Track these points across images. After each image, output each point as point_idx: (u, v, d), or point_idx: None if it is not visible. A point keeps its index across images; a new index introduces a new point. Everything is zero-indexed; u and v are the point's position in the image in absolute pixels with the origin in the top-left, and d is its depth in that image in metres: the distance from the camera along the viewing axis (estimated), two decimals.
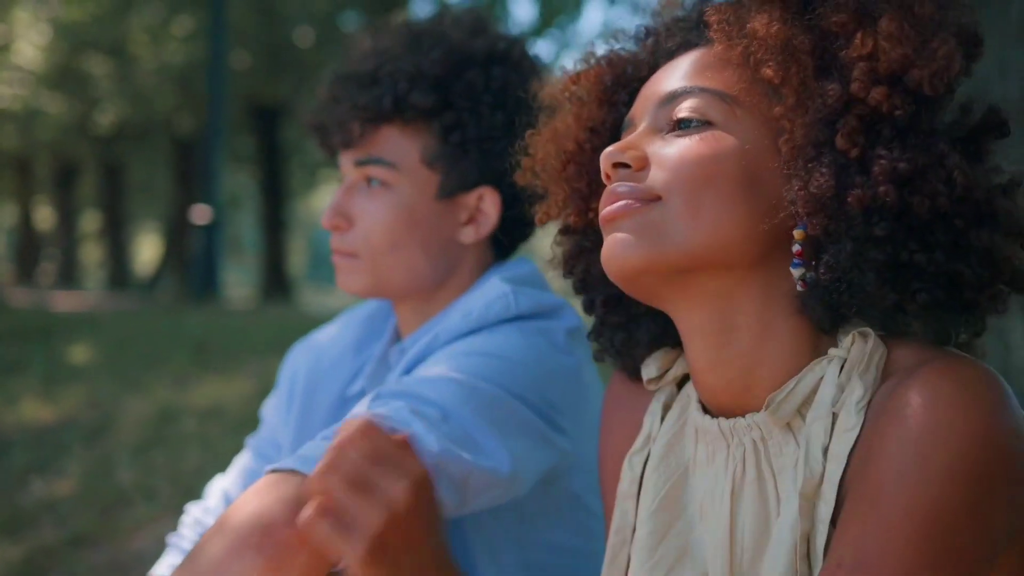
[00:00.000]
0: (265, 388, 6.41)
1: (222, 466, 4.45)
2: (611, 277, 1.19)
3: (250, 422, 5.41)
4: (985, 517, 1.00)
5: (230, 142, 16.86)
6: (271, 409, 2.05)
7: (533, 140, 1.42)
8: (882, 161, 1.06)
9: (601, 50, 1.39)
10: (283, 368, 2.06)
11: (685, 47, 1.27)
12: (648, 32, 1.37)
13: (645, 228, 1.14)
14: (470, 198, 1.77)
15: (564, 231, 1.41)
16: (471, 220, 1.79)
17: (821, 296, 1.11)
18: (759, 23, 1.13)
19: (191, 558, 1.26)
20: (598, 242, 1.30)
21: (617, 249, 1.16)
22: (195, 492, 4.18)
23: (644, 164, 1.18)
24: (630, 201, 1.16)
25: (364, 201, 1.77)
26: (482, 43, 1.80)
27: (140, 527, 3.86)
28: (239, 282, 29.47)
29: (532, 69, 1.80)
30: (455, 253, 1.80)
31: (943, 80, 1.07)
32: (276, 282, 19.68)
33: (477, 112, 1.74)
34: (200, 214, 13.97)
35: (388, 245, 1.75)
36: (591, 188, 1.34)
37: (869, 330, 1.11)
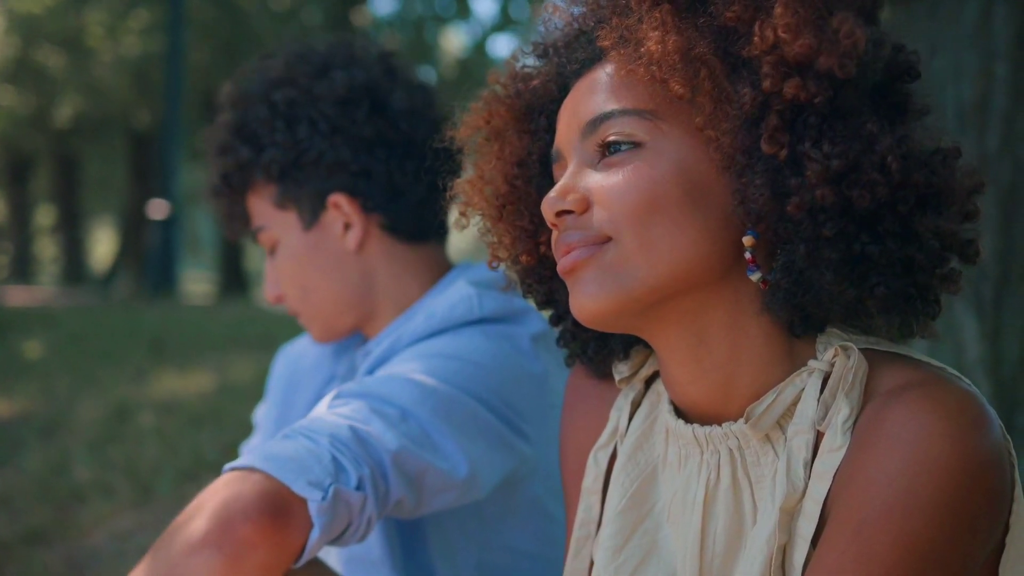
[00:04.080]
0: (223, 383, 6.42)
1: (180, 462, 4.47)
2: (583, 324, 1.16)
3: (209, 417, 5.43)
4: (966, 547, 1.00)
5: (188, 137, 16.71)
6: (262, 414, 2.07)
7: (463, 188, 1.37)
8: (814, 163, 1.03)
9: (504, 76, 1.34)
10: (270, 372, 2.09)
11: (592, 61, 1.22)
12: (547, 48, 1.32)
13: (605, 272, 1.12)
14: (329, 213, 1.81)
15: (517, 262, 1.36)
16: (345, 228, 1.81)
17: (783, 298, 1.09)
18: (653, 41, 1.09)
19: (150, 556, 1.26)
20: (556, 271, 1.28)
21: (584, 299, 1.13)
22: (153, 488, 4.17)
23: (586, 205, 1.14)
24: (582, 249, 1.13)
25: (274, 268, 1.86)
26: (261, 77, 1.86)
27: (97, 524, 3.81)
28: (197, 278, 29.23)
29: (315, 76, 1.83)
30: (355, 263, 1.82)
31: (852, 60, 1.03)
32: (234, 278, 19.54)
33: (274, 141, 1.79)
34: (157, 209, 13.85)
35: (302, 293, 1.84)
36: (535, 223, 1.30)
37: (851, 345, 1.09)
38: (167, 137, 14.18)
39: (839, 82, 1.04)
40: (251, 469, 1.33)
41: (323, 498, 1.32)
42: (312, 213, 1.80)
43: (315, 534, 1.32)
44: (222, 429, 5.06)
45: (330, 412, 1.47)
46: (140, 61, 17.46)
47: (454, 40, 21.65)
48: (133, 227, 21.07)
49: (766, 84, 1.04)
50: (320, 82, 1.80)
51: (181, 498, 4.11)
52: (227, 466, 1.37)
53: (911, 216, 1.05)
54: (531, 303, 1.79)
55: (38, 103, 19.61)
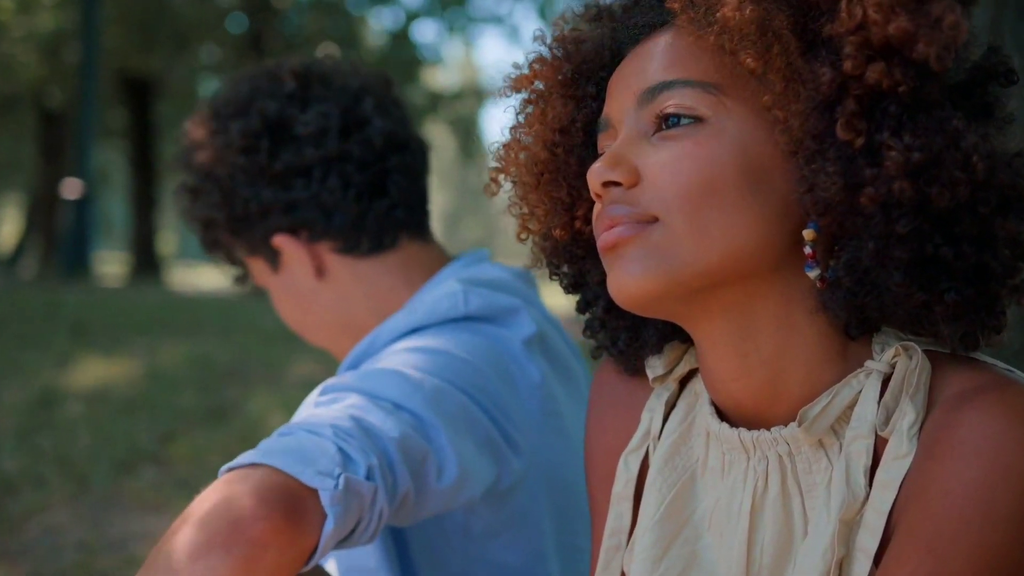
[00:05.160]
0: (152, 369, 6.27)
1: (115, 450, 4.32)
2: (623, 307, 1.09)
3: (141, 405, 5.26)
4: None
5: (100, 115, 16.35)
6: None
7: (500, 152, 1.29)
8: (893, 152, 0.96)
9: (551, 37, 1.25)
10: None
11: (651, 27, 1.14)
12: (601, 12, 1.24)
13: (650, 253, 1.04)
14: (285, 255, 1.82)
15: (548, 238, 1.28)
16: (310, 262, 1.82)
17: (843, 297, 1.03)
18: (728, 8, 1.02)
19: (151, 562, 1.14)
20: (590, 250, 1.22)
21: (626, 279, 1.06)
22: (88, 478, 4.02)
23: (635, 179, 1.07)
24: (627, 226, 1.06)
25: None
26: (186, 143, 1.90)
27: (29, 516, 3.67)
28: (108, 259, 28.71)
29: (218, 131, 1.84)
30: (327, 291, 1.84)
31: (951, 53, 0.96)
32: (147, 260, 19.29)
33: (211, 203, 1.84)
34: (71, 188, 13.56)
35: (300, 328, 1.92)
36: (573, 195, 1.22)
37: (914, 345, 1.04)
38: (82, 115, 13.86)
39: (927, 72, 0.97)
40: (253, 466, 1.23)
41: (335, 487, 1.22)
42: (272, 257, 1.82)
43: (329, 526, 1.21)
44: (156, 418, 4.92)
45: (323, 407, 1.39)
46: (52, 37, 17.04)
47: (377, 25, 21.37)
48: (41, 206, 20.62)
49: (847, 66, 0.97)
50: (221, 136, 1.81)
51: (118, 489, 3.98)
52: (224, 467, 1.26)
53: (990, 219, 0.99)
54: (526, 300, 1.74)
55: None
